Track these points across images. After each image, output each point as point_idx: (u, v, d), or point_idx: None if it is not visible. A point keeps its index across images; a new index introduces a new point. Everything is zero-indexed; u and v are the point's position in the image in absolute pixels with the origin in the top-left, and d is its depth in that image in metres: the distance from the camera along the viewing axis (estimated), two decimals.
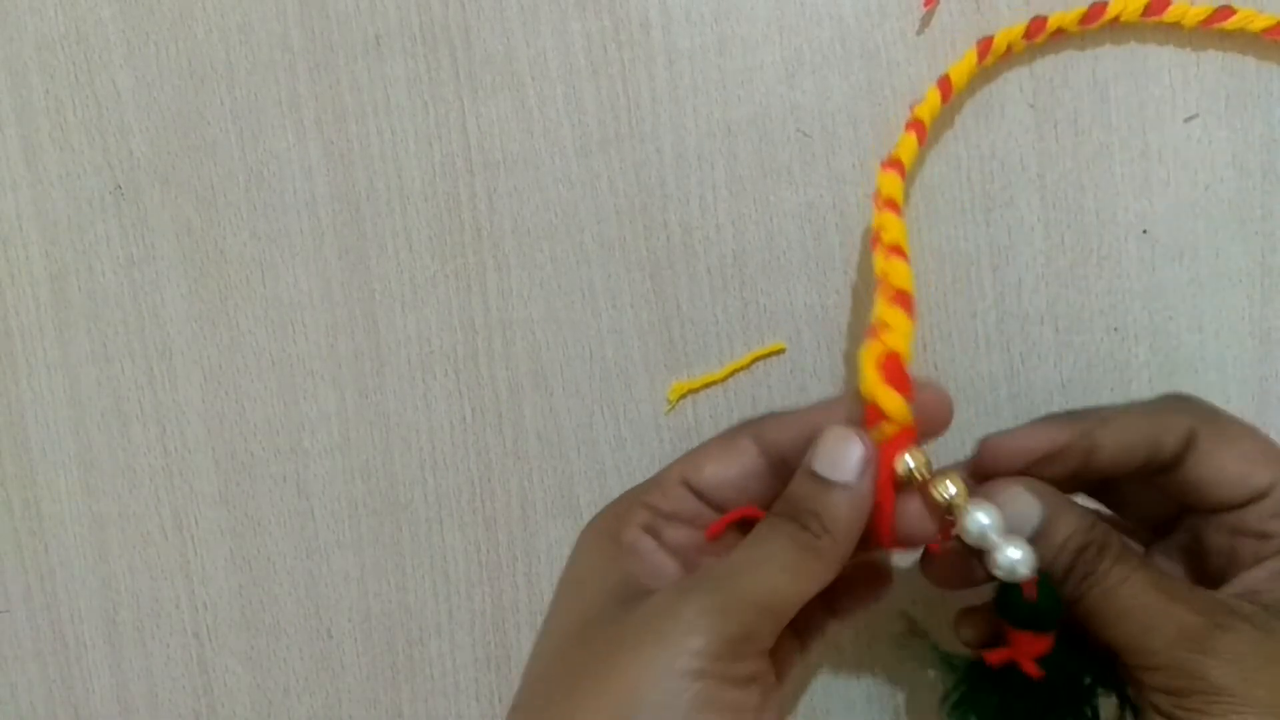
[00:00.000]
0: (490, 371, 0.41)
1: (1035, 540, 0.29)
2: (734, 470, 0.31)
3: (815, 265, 0.39)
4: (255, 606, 0.43)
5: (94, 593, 0.44)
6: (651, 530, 0.32)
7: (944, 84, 0.37)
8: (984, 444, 0.32)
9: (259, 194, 0.41)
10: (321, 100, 0.41)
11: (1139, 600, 0.28)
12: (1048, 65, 0.38)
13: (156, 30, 0.41)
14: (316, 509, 0.42)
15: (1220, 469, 0.29)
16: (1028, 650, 0.30)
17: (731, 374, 0.39)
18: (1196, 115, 0.37)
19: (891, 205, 0.35)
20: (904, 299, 0.31)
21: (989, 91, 0.38)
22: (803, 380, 0.39)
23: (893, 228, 0.34)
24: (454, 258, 0.41)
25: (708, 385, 0.40)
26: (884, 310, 0.31)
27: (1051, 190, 0.38)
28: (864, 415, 0.30)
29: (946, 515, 0.29)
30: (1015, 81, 0.38)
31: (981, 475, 0.31)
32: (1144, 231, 0.38)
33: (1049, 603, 0.29)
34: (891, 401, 0.29)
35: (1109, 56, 0.37)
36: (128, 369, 0.43)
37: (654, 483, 0.33)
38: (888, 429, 0.29)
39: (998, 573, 0.29)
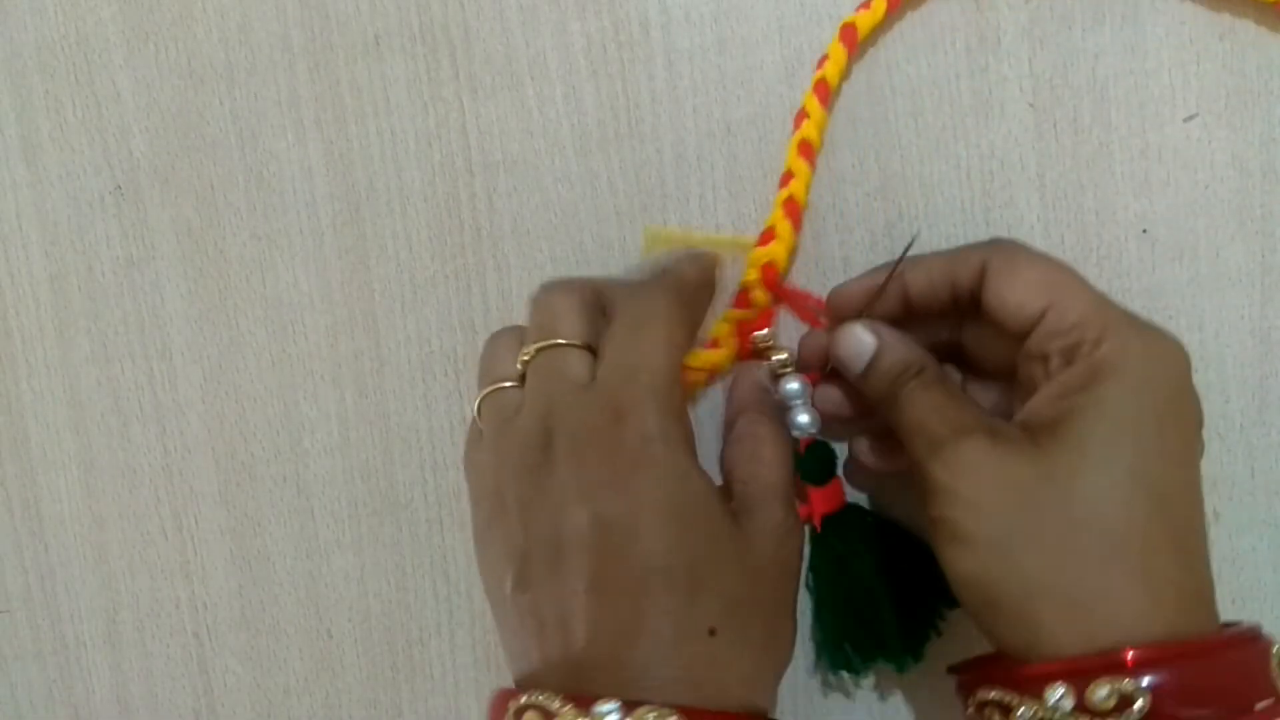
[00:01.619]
0: None
1: (869, 368, 0.34)
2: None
3: (814, 265, 0.39)
4: (255, 606, 0.43)
5: (94, 593, 0.44)
6: None
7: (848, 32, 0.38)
8: (829, 295, 0.37)
9: (259, 194, 0.41)
10: (321, 100, 0.41)
11: (916, 416, 0.32)
12: (1048, 65, 0.38)
13: (156, 30, 0.41)
14: (316, 509, 0.42)
15: (1002, 295, 0.33)
16: (821, 507, 0.37)
17: (703, 243, 0.38)
18: (1196, 115, 0.37)
19: (822, 89, 0.38)
20: (793, 209, 0.38)
21: (989, 89, 0.38)
22: None
23: (815, 117, 0.38)
24: (454, 258, 0.41)
25: (682, 241, 0.39)
26: (778, 220, 0.38)
27: (1051, 190, 0.38)
28: (735, 298, 0.38)
29: (781, 373, 0.38)
30: (1015, 81, 0.38)
31: (835, 320, 0.37)
32: (1144, 231, 0.38)
33: (824, 458, 0.37)
34: (762, 300, 0.38)
35: (1109, 56, 0.37)
36: (128, 369, 0.43)
37: (675, 384, 0.32)
38: (750, 315, 0.38)
39: (795, 431, 0.37)
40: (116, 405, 0.43)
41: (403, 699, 0.43)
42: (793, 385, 0.37)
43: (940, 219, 0.38)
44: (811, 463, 0.37)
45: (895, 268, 0.35)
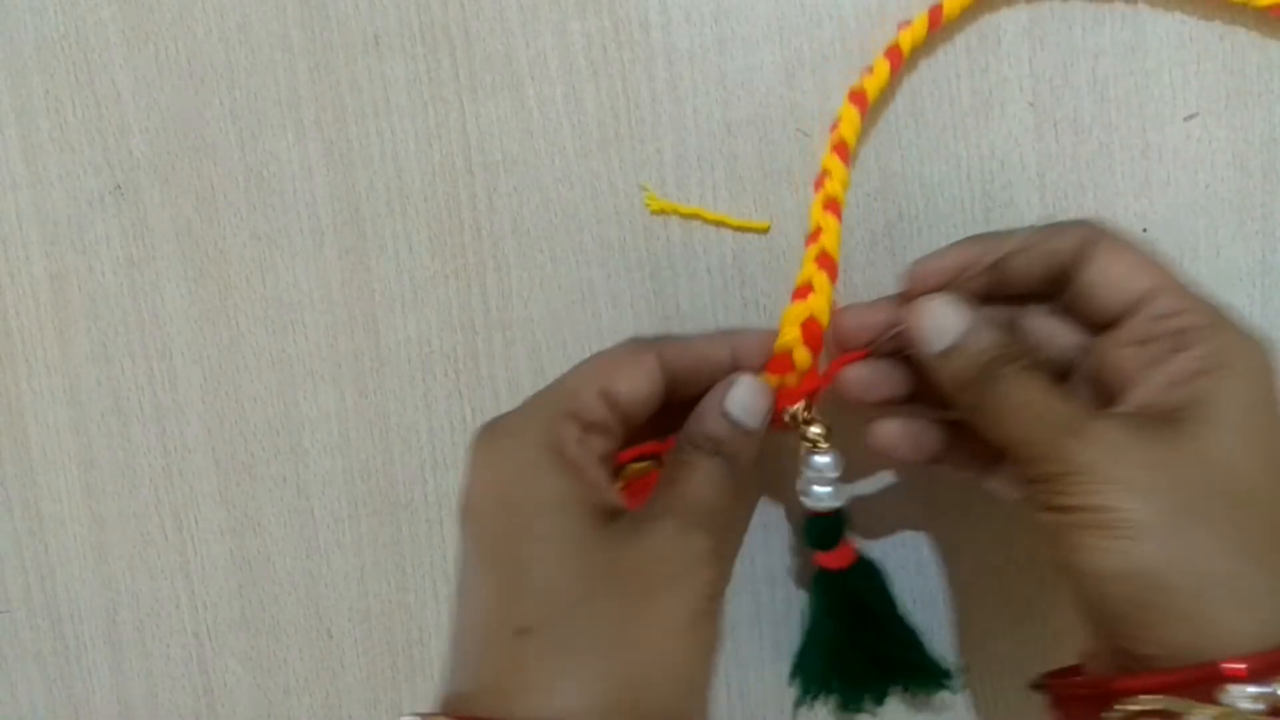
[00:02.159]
0: (490, 371, 0.41)
1: (954, 348, 0.31)
2: (645, 388, 0.33)
3: None
4: (255, 606, 0.43)
5: (94, 593, 0.44)
6: (584, 443, 0.32)
7: (893, 52, 0.37)
8: (910, 268, 0.34)
9: (259, 194, 0.41)
10: (321, 100, 0.41)
11: (1027, 398, 0.30)
12: (1048, 65, 0.38)
13: (156, 30, 0.41)
14: (316, 509, 0.42)
15: (1103, 273, 0.32)
16: (829, 565, 0.37)
17: (715, 220, 0.39)
18: (1196, 114, 0.37)
19: (841, 149, 0.36)
20: (828, 261, 0.36)
21: (989, 89, 0.38)
22: None
23: (837, 176, 0.36)
24: (454, 258, 0.41)
25: (691, 215, 0.39)
26: (812, 272, 0.36)
27: (1051, 190, 0.38)
28: (770, 361, 0.35)
29: (810, 448, 0.36)
30: (1015, 81, 0.38)
31: (911, 297, 0.34)
32: (1144, 231, 0.38)
33: (830, 528, 0.36)
34: (804, 361, 0.35)
35: (1109, 56, 0.37)
36: (128, 369, 0.43)
37: (570, 393, 0.32)
38: (791, 380, 0.35)
39: (808, 502, 0.36)
40: (116, 405, 0.43)
41: (403, 699, 0.43)
42: (823, 459, 0.36)
43: (940, 219, 0.38)
44: (817, 533, 0.37)
45: (998, 239, 0.32)
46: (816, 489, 0.36)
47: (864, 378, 0.35)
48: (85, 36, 0.42)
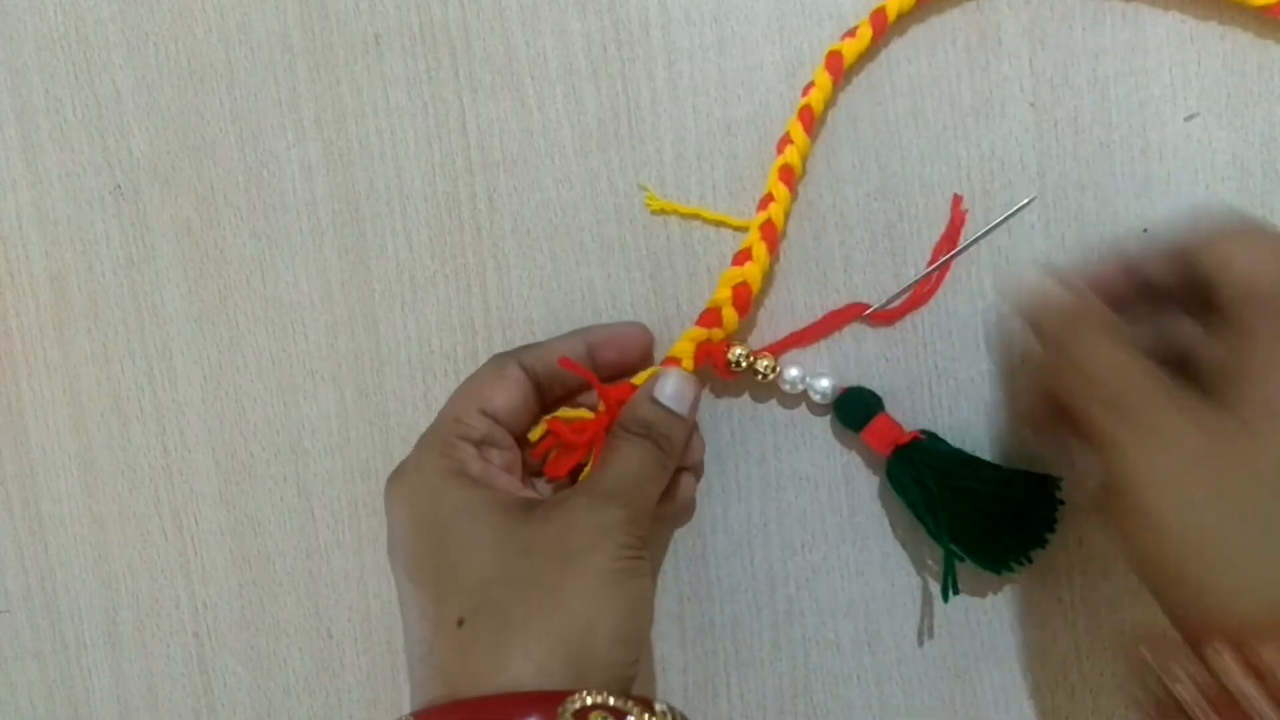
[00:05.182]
0: None
1: (1039, 308, 0.33)
2: (517, 397, 0.36)
3: (815, 265, 0.39)
4: (255, 606, 0.43)
5: (94, 593, 0.44)
6: (483, 459, 0.35)
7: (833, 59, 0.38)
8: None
9: (259, 194, 0.41)
10: (321, 100, 0.41)
11: (1107, 362, 0.31)
12: (1048, 64, 0.38)
13: (156, 30, 0.41)
14: (316, 509, 0.42)
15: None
16: (881, 441, 0.38)
17: (715, 221, 0.39)
18: (1197, 114, 0.37)
19: (807, 116, 0.37)
20: (770, 231, 0.38)
21: (989, 89, 0.38)
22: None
23: (798, 143, 0.38)
24: (454, 258, 0.41)
25: (691, 215, 0.39)
26: (754, 242, 0.38)
27: (1051, 190, 0.38)
28: (702, 316, 0.38)
29: (763, 378, 0.38)
30: (1015, 81, 0.38)
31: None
32: (1144, 231, 0.38)
33: (855, 404, 0.38)
34: (732, 320, 0.37)
35: (1109, 56, 0.37)
36: (128, 369, 0.43)
37: (454, 419, 0.35)
38: (717, 335, 0.37)
39: (817, 399, 0.39)
40: (116, 405, 0.43)
41: (403, 699, 0.43)
42: (793, 371, 0.38)
43: (940, 219, 0.38)
44: (848, 411, 0.38)
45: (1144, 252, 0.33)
46: (816, 383, 0.38)
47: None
48: (85, 36, 0.42)
